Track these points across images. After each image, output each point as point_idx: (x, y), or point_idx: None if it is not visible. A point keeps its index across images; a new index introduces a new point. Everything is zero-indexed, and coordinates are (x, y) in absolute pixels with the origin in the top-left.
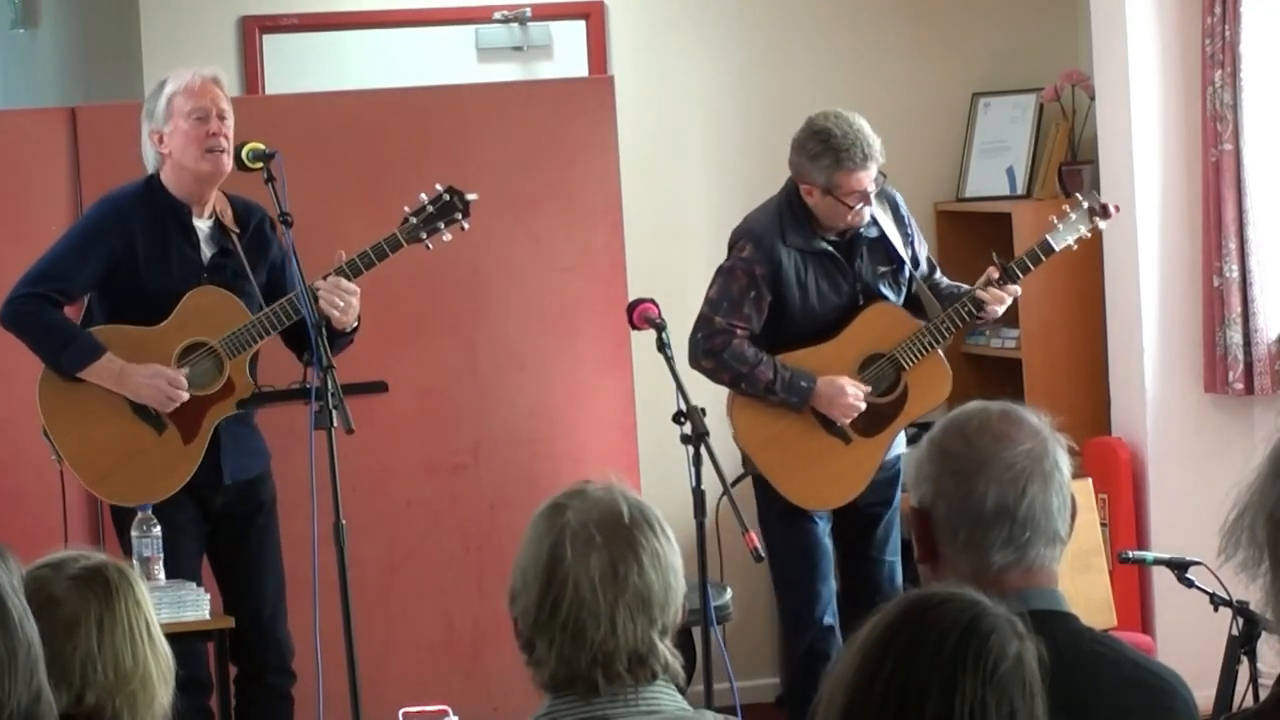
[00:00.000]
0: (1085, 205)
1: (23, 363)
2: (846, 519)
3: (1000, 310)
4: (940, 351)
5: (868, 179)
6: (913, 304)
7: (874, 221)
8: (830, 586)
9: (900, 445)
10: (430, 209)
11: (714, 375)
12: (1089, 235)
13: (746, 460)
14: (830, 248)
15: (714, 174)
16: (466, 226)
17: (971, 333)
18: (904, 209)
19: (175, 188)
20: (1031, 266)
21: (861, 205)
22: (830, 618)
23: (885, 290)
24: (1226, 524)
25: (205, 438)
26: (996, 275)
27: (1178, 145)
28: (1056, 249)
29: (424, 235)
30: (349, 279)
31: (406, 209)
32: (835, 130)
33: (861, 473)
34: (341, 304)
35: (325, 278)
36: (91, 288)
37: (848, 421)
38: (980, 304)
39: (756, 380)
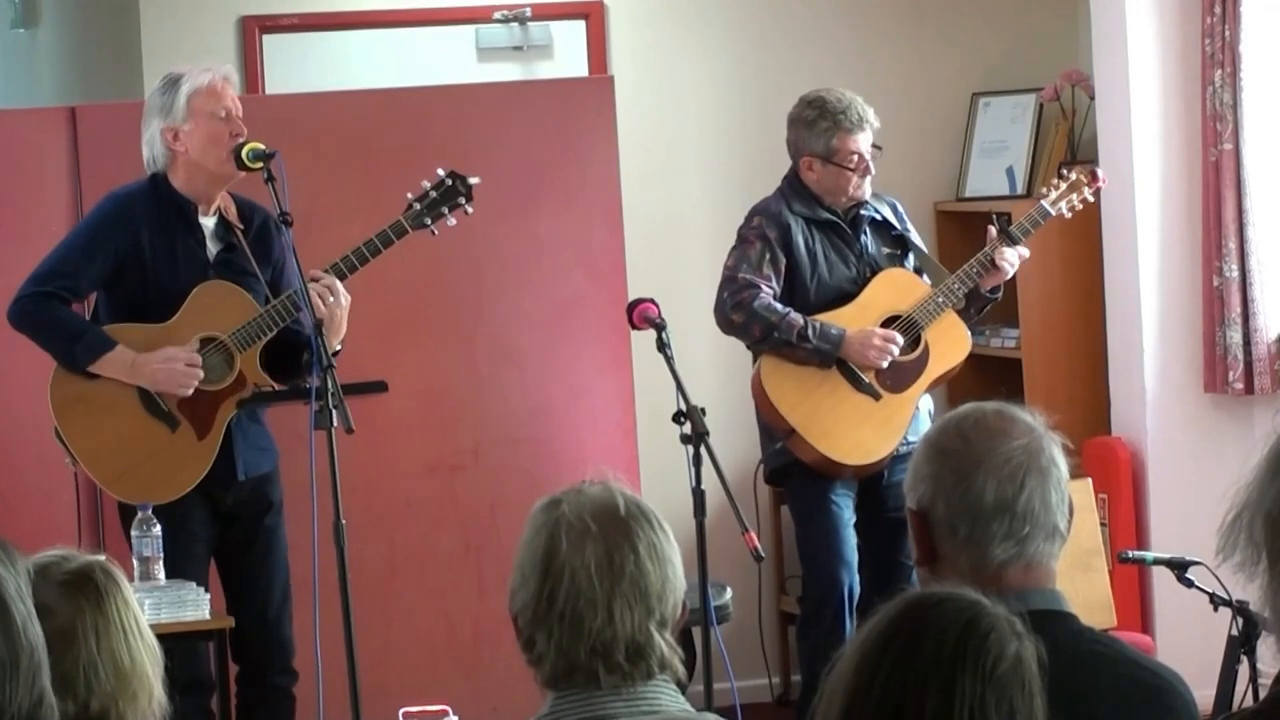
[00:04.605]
0: (1074, 176)
1: (29, 363)
2: (876, 524)
3: (1010, 270)
4: (954, 313)
5: (865, 142)
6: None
7: (874, 208)
8: (853, 573)
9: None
10: (433, 194)
11: (744, 330)
12: (1079, 205)
13: (776, 431)
14: (835, 218)
15: (714, 174)
16: (470, 210)
17: (971, 332)
18: (902, 210)
19: (185, 185)
20: (1031, 229)
21: (862, 172)
22: (849, 603)
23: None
24: (1224, 524)
25: (219, 433)
26: (995, 235)
27: (1178, 145)
28: (1051, 213)
29: (429, 221)
30: (347, 275)
31: (410, 195)
32: (829, 97)
33: (894, 427)
34: (329, 300)
35: (326, 269)
36: (98, 285)
37: (884, 365)
38: (992, 261)
39: (789, 328)
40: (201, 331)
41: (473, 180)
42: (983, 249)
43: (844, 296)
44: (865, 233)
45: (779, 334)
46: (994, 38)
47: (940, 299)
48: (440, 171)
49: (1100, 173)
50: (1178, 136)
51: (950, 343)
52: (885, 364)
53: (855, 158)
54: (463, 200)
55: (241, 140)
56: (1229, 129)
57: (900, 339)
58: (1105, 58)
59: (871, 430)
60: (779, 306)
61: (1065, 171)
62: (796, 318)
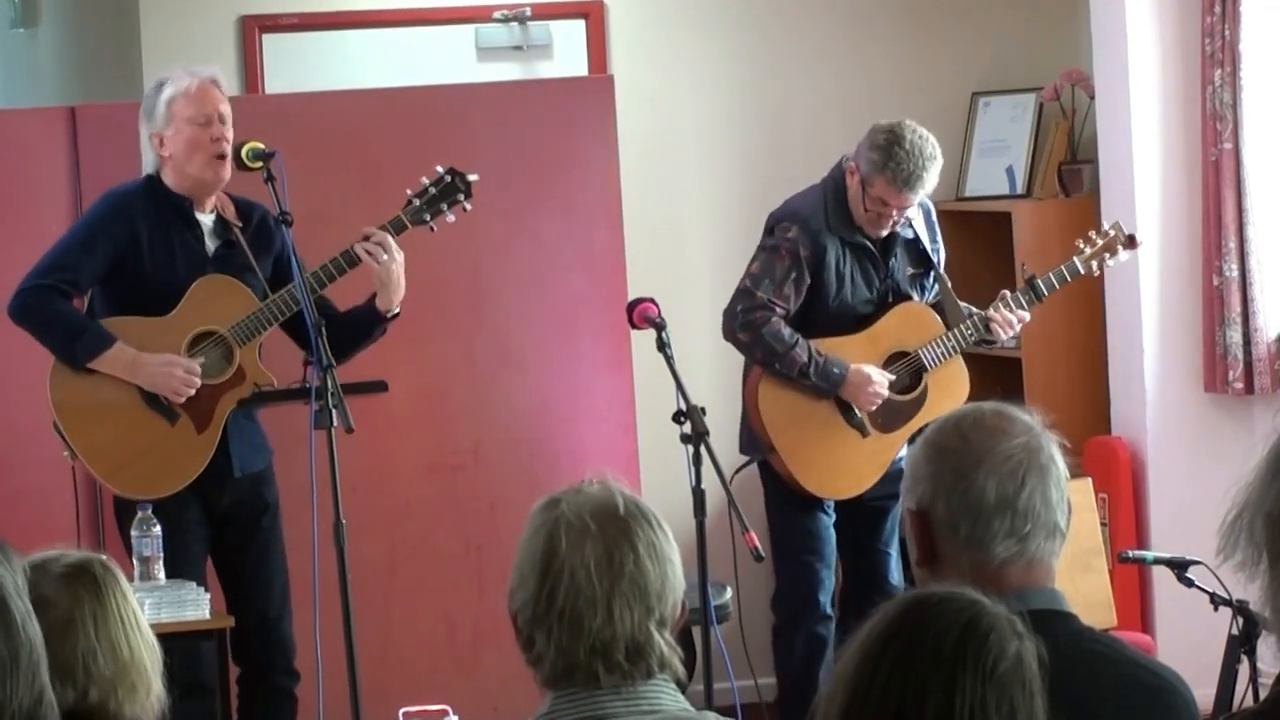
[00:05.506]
0: (1113, 234)
1: (29, 364)
2: (854, 513)
3: (1005, 335)
4: (960, 358)
5: (899, 201)
6: (935, 308)
7: (909, 223)
8: (832, 575)
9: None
10: (432, 190)
11: (748, 349)
12: (1110, 264)
13: (759, 443)
14: (869, 242)
15: (714, 174)
16: (469, 207)
17: None
18: (934, 217)
19: (177, 187)
20: (1057, 285)
21: (880, 216)
22: (829, 607)
23: (911, 292)
24: (1225, 523)
25: (219, 427)
26: (1009, 296)
27: (1178, 145)
28: (1082, 272)
29: (428, 217)
30: (347, 269)
31: (409, 192)
32: (906, 141)
33: (875, 466)
34: (383, 258)
35: (320, 269)
36: (98, 280)
37: (873, 408)
38: (988, 324)
39: (792, 362)
40: (201, 325)
41: (472, 177)
42: (1002, 300)
43: (858, 319)
44: (896, 254)
45: (780, 365)
46: (994, 38)
47: (951, 344)
48: (439, 168)
49: (1139, 237)
50: (1178, 136)
51: (948, 391)
52: (873, 408)
53: (881, 206)
54: (462, 197)
55: (230, 144)
56: (1229, 129)
57: (886, 390)
58: (1105, 58)
59: (852, 468)
60: (787, 335)
61: (1106, 228)
62: (800, 353)
